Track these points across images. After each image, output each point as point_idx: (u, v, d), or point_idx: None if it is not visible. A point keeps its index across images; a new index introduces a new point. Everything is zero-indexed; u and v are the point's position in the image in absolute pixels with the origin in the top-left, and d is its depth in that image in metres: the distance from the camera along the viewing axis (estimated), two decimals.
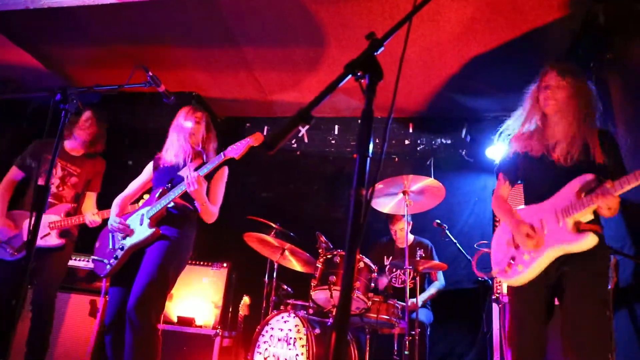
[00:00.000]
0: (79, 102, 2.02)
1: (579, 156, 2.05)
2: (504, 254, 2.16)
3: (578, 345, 1.85)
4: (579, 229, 1.96)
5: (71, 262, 3.86)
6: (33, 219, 1.75)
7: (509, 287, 2.19)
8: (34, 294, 3.24)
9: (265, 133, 5.48)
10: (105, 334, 2.60)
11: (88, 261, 3.83)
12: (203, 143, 2.86)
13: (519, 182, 2.40)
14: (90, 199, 3.55)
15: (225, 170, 2.87)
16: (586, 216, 1.95)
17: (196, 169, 2.65)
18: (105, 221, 2.85)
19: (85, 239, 3.51)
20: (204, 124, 2.90)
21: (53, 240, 3.26)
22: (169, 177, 2.78)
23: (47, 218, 3.28)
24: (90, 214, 3.32)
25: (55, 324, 3.59)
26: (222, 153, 2.67)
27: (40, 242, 3.21)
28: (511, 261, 2.10)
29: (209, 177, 2.73)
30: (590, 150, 2.06)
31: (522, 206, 2.27)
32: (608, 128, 2.19)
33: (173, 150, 2.81)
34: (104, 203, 3.43)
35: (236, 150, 2.65)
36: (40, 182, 3.36)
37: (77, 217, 3.34)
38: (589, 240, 1.91)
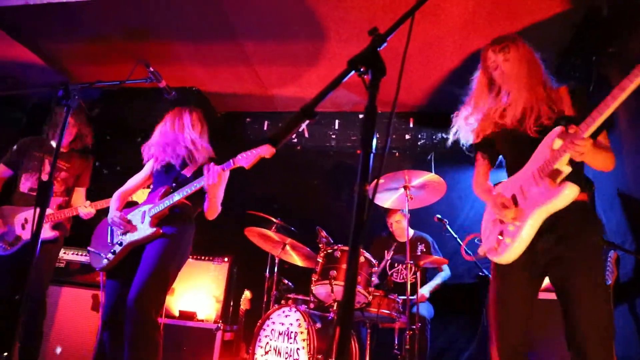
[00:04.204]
0: (80, 98, 2.01)
1: (546, 122, 1.97)
2: (491, 232, 2.09)
3: (583, 335, 1.76)
4: (558, 182, 1.85)
5: (73, 257, 3.89)
6: (37, 214, 1.76)
7: (493, 268, 2.07)
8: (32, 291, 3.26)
9: (265, 128, 5.48)
10: (103, 329, 2.58)
11: (87, 255, 3.85)
12: (193, 144, 2.83)
13: (499, 159, 2.32)
14: (80, 194, 3.60)
15: (226, 173, 2.87)
16: (563, 167, 1.83)
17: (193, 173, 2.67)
18: (101, 213, 2.85)
19: (84, 232, 3.53)
20: (198, 126, 2.89)
21: (47, 232, 3.29)
22: (172, 175, 2.77)
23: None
24: (83, 207, 3.37)
25: (59, 319, 3.63)
26: (231, 160, 2.64)
27: None
28: (499, 237, 2.01)
29: None
30: (558, 110, 1.98)
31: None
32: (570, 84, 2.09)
33: (166, 154, 2.80)
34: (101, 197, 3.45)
35: (246, 159, 2.60)
36: (38, 177, 3.44)
37: (70, 210, 3.38)
38: (569, 190, 1.78)
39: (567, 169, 1.84)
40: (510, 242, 1.94)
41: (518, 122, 2.06)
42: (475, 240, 2.37)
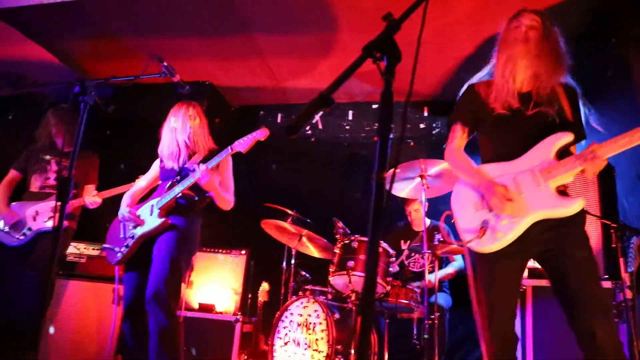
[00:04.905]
0: (96, 94, 2.04)
1: (549, 109, 1.91)
2: (472, 220, 1.99)
3: (594, 309, 1.76)
4: (563, 192, 1.89)
5: (94, 252, 3.96)
6: (58, 209, 1.80)
7: (481, 256, 1.96)
8: (34, 277, 3.38)
9: (279, 120, 5.48)
10: (124, 321, 2.69)
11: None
12: (196, 137, 2.94)
13: (475, 134, 2.27)
14: (89, 192, 3.73)
15: (229, 158, 2.93)
16: (568, 178, 1.85)
17: (202, 161, 2.75)
18: (115, 212, 2.94)
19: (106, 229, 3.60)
20: (197, 118, 2.97)
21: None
22: (176, 170, 2.87)
23: (49, 204, 3.53)
24: (90, 196, 3.55)
25: (78, 313, 3.71)
26: (229, 147, 2.75)
27: (43, 226, 3.47)
28: (484, 226, 1.92)
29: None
30: (560, 104, 1.94)
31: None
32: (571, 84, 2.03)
33: (169, 150, 2.89)
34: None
35: (243, 144, 2.74)
36: (46, 177, 3.67)
37: (77, 200, 3.56)
38: (579, 204, 1.81)
39: (570, 180, 1.88)
40: (502, 236, 1.88)
41: (519, 101, 1.96)
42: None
